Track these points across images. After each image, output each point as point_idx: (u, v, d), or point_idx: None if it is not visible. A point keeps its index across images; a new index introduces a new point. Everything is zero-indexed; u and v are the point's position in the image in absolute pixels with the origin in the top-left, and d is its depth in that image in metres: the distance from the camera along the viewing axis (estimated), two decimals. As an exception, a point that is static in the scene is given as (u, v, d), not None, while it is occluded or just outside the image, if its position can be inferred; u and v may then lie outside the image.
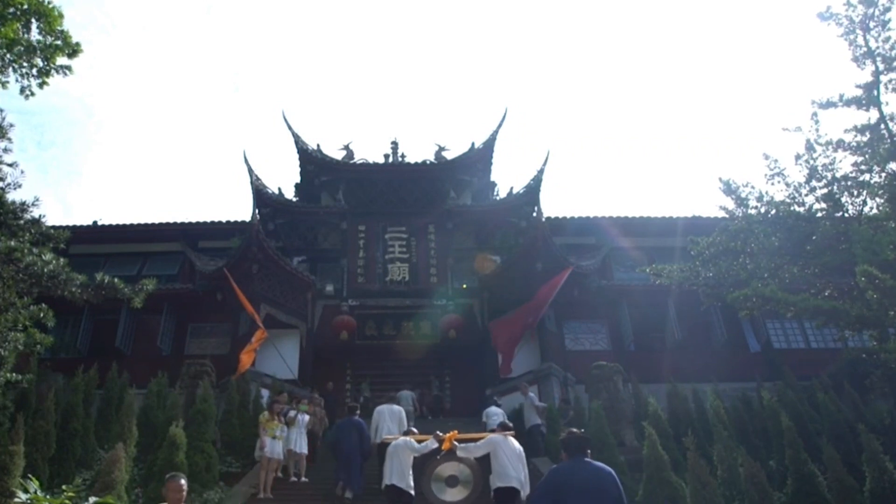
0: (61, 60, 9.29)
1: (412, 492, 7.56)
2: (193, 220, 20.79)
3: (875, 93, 12.44)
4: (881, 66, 12.39)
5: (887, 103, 12.49)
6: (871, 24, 12.40)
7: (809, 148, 13.05)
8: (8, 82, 9.22)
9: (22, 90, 9.24)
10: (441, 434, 7.32)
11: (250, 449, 11.11)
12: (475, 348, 18.09)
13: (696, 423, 12.31)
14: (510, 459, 7.01)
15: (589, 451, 4.35)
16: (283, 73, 75.76)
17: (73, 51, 9.28)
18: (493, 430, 8.19)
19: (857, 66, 12.65)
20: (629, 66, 70.21)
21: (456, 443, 7.05)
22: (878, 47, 12.44)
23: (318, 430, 12.83)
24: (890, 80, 12.43)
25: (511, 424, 8.79)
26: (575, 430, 4.65)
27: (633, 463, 10.10)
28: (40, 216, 9.57)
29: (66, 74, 9.38)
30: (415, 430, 8.66)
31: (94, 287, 9.71)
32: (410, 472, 7.59)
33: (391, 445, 7.95)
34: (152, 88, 66.44)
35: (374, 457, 10.15)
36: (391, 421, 10.70)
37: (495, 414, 12.27)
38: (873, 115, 12.53)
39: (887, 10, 12.21)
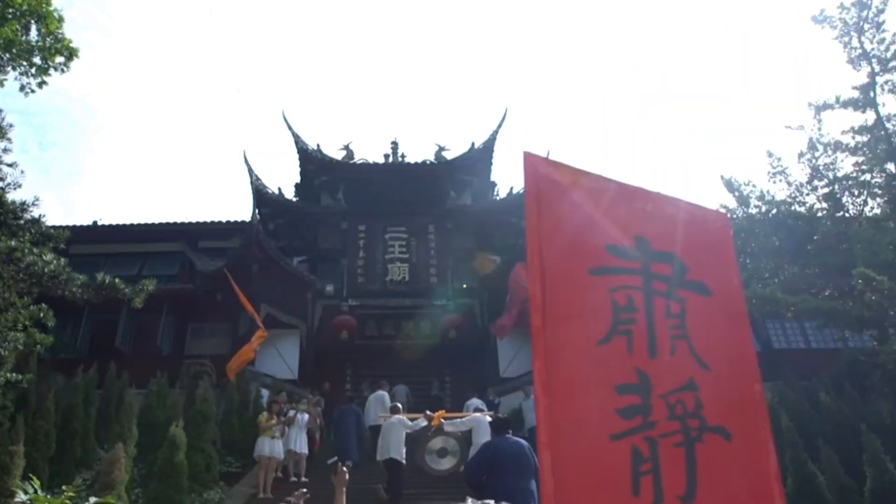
0: (59, 60, 9.32)
1: (404, 461, 9.20)
2: (193, 220, 20.80)
3: (871, 94, 12.45)
4: (877, 68, 12.41)
5: (884, 104, 12.52)
6: (866, 27, 12.42)
7: (811, 148, 13.07)
8: (6, 80, 9.24)
9: (22, 88, 9.27)
10: (430, 413, 8.51)
11: (250, 449, 11.12)
12: (475, 348, 18.08)
13: (696, 423, 12.29)
14: (489, 434, 7.92)
15: (510, 431, 6.01)
16: (284, 73, 75.80)
17: (71, 54, 9.30)
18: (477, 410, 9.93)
19: (853, 68, 12.68)
20: (629, 66, 70.25)
21: (443, 420, 8.20)
22: (873, 49, 12.46)
23: (315, 431, 12.87)
24: (886, 82, 12.45)
25: (485, 409, 10.77)
26: (500, 415, 6.69)
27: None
28: (40, 216, 9.57)
29: (63, 71, 9.41)
30: (399, 405, 10.06)
31: (94, 287, 9.71)
32: (403, 446, 9.15)
33: (386, 423, 9.36)
34: (154, 89, 66.48)
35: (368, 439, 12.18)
36: (376, 405, 12.23)
37: (475, 405, 13.61)
38: (870, 116, 12.55)
39: (881, 11, 12.22)
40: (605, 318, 1.87)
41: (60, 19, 9.04)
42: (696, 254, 2.07)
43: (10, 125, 9.33)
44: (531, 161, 1.96)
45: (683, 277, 2.02)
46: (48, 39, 9.07)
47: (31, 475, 6.17)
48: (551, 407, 1.68)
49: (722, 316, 2.03)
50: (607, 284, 1.91)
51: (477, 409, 10.30)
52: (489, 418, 8.36)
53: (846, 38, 12.64)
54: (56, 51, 9.15)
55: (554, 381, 1.71)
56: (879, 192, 12.07)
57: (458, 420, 8.41)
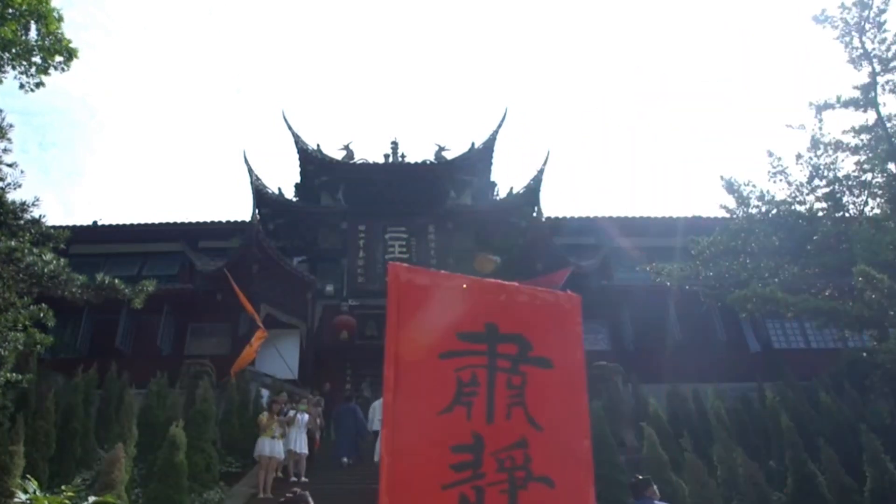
0: (59, 59, 9.32)
1: None
2: (193, 220, 20.79)
3: (872, 94, 12.43)
4: (878, 68, 12.39)
5: (885, 104, 12.49)
6: (867, 27, 12.40)
7: (813, 146, 13.05)
8: (6, 78, 9.24)
9: (21, 86, 9.27)
10: None
11: (250, 449, 11.12)
12: (475, 348, 18.08)
13: (697, 423, 12.30)
14: None
15: None
16: (284, 73, 75.81)
17: (71, 54, 9.29)
18: None
19: (854, 68, 12.65)
20: (629, 66, 70.27)
21: None
22: (874, 49, 12.44)
23: (315, 431, 12.89)
24: (887, 82, 12.43)
25: None
26: None
27: (632, 463, 10.10)
28: (40, 216, 9.57)
29: (63, 70, 9.41)
30: None
31: (94, 287, 9.70)
32: None
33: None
34: (154, 89, 66.50)
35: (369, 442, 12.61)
36: (381, 411, 12.70)
37: None
38: (871, 116, 12.53)
39: (882, 11, 12.21)
40: (448, 393, 2.31)
41: (60, 19, 9.04)
42: (543, 333, 2.53)
43: (10, 125, 9.34)
44: (393, 269, 2.45)
45: (528, 354, 2.47)
46: (48, 39, 9.07)
47: (30, 475, 6.17)
48: (392, 464, 2.08)
49: (561, 384, 2.48)
50: (454, 365, 2.37)
51: None
52: None
53: (847, 38, 12.62)
54: (55, 50, 9.15)
55: (397, 444, 2.12)
56: (880, 191, 12.07)
57: None
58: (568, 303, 2.64)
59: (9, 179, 9.41)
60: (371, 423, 12.61)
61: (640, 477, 6.30)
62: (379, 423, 12.04)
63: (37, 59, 9.19)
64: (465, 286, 2.48)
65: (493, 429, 2.27)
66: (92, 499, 5.05)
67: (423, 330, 2.36)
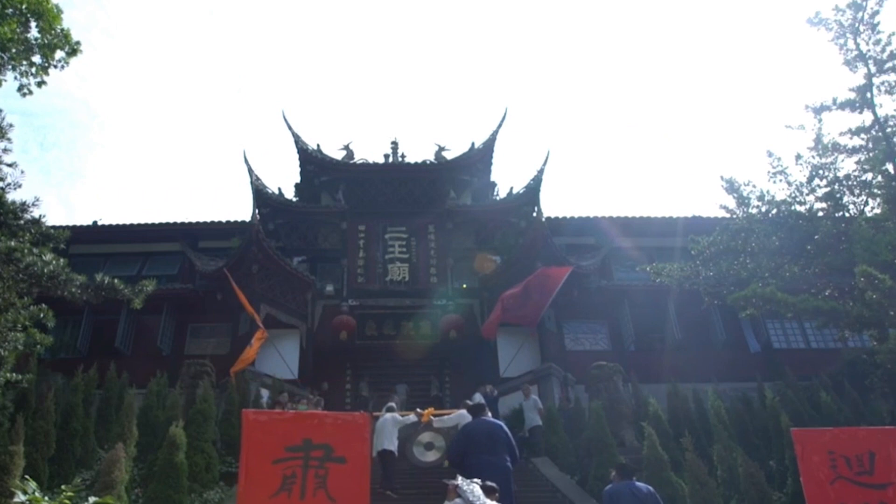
0: (59, 55, 9.30)
1: (396, 452, 10.15)
2: (193, 220, 20.77)
3: (868, 95, 12.40)
4: (873, 69, 12.36)
5: (881, 105, 12.46)
6: (861, 28, 12.37)
7: (811, 147, 13.03)
8: (5, 80, 9.22)
9: (20, 88, 9.24)
10: (420, 410, 9.78)
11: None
12: (475, 348, 18.08)
13: (697, 423, 12.31)
14: None
15: (489, 413, 7.18)
16: (284, 73, 75.75)
17: (73, 49, 9.28)
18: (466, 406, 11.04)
19: (850, 70, 12.62)
20: (629, 66, 70.25)
21: (433, 417, 9.27)
22: (868, 50, 12.40)
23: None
24: (882, 83, 12.40)
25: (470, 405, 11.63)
26: (473, 402, 8.43)
27: (633, 463, 10.09)
28: (40, 216, 9.57)
29: (63, 67, 9.40)
30: (394, 405, 11.06)
31: (94, 287, 9.70)
32: (396, 439, 10.19)
33: (380, 420, 10.12)
34: (154, 89, 66.47)
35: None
36: (392, 426, 10.77)
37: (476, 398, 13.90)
38: (868, 117, 12.51)
39: (876, 12, 12.19)
40: (277, 483, 4.19)
41: (59, 13, 9.01)
42: (342, 440, 4.40)
43: (11, 125, 9.34)
44: (245, 414, 4.54)
45: (331, 455, 4.34)
46: (48, 36, 9.05)
47: (30, 475, 6.17)
48: None
49: (351, 471, 4.32)
50: (282, 466, 4.24)
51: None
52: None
53: (842, 41, 12.59)
54: (56, 46, 9.13)
55: None
56: (879, 192, 12.05)
57: (446, 416, 9.22)
58: (360, 420, 4.57)
59: (9, 179, 9.43)
60: (381, 440, 10.62)
61: (627, 463, 6.89)
62: (388, 438, 10.48)
63: (37, 59, 9.19)
64: (290, 419, 4.62)
65: (304, 503, 4.12)
66: (92, 499, 5.04)
67: (263, 448, 4.18)
